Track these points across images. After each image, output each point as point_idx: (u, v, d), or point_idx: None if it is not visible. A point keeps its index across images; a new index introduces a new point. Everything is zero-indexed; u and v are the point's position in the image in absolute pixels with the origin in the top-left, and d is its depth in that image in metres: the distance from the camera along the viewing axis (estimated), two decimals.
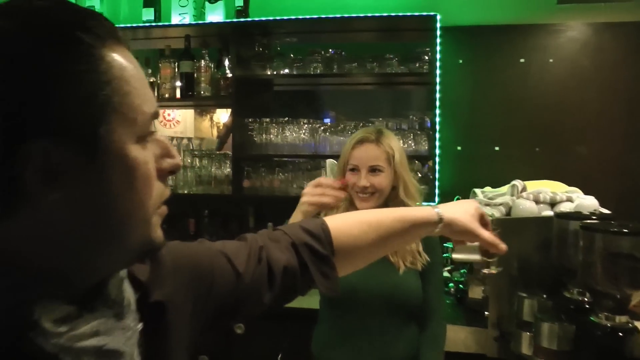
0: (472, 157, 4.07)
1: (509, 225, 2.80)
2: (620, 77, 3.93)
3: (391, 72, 3.84)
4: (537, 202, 3.00)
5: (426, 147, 3.83)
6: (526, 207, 2.94)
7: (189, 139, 4.40)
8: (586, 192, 3.29)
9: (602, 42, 3.96)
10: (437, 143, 3.77)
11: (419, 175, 3.86)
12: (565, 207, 2.97)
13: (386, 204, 2.41)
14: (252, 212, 4.08)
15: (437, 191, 3.78)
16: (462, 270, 3.51)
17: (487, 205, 3.15)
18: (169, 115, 4.61)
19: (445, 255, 3.31)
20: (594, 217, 2.36)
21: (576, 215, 2.44)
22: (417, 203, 2.47)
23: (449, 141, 3.99)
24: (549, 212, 2.96)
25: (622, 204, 3.70)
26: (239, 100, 3.93)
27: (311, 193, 2.12)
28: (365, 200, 2.39)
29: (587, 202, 2.97)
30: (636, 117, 3.94)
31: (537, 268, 2.65)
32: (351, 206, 2.42)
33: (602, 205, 3.11)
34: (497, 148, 4.02)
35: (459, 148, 4.05)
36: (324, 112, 4.27)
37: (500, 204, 3.12)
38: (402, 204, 2.41)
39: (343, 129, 3.89)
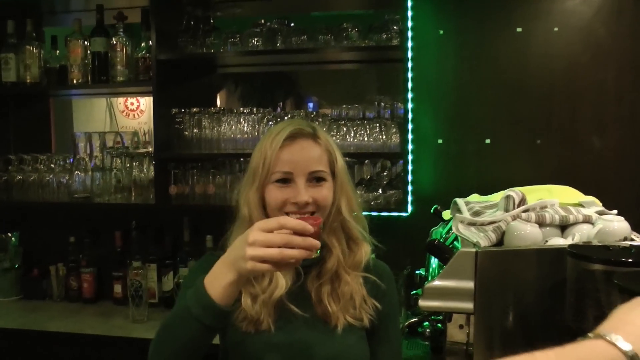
0: (456, 153, 3.27)
1: (501, 259, 2.04)
2: None
3: (350, 45, 3.05)
4: (541, 224, 2.14)
5: (397, 141, 3.05)
6: (526, 233, 2.09)
7: (119, 134, 3.65)
8: (603, 198, 2.48)
9: (623, 5, 3.11)
10: (410, 136, 3.05)
11: (385, 177, 3.12)
12: (583, 233, 2.13)
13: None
14: (188, 223, 3.32)
15: (409, 197, 3.03)
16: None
17: (471, 225, 2.34)
18: (132, 104, 3.93)
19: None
20: (631, 259, 1.60)
21: (601, 253, 1.69)
22: (362, 225, 1.81)
23: (427, 133, 3.23)
24: (558, 240, 2.12)
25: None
26: (163, 86, 3.19)
27: (263, 243, 1.33)
28: None
29: (615, 226, 2.10)
30: None
31: (542, 322, 1.92)
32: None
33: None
34: (488, 141, 3.22)
35: (439, 141, 3.26)
36: (270, 99, 3.53)
37: (490, 226, 2.29)
38: (345, 228, 1.77)
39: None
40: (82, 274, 3.42)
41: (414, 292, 2.65)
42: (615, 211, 2.39)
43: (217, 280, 1.40)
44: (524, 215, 2.17)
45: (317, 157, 1.69)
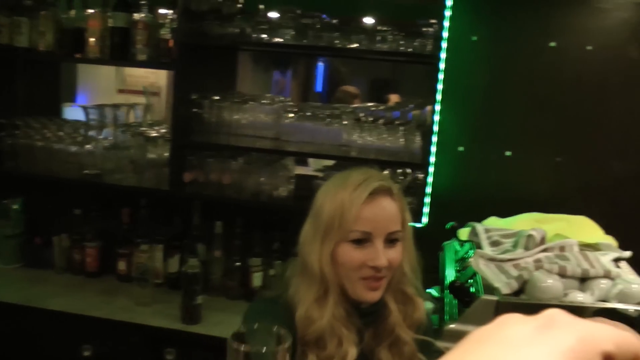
0: (475, 162, 3.32)
1: (521, 311, 2.11)
2: None
3: (382, 49, 3.05)
4: (562, 275, 2.24)
5: (418, 145, 3.08)
6: (548, 285, 2.19)
7: (134, 107, 3.61)
8: (618, 226, 2.65)
9: None
10: (435, 139, 3.06)
11: (402, 182, 3.16)
12: (601, 289, 2.23)
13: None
14: (198, 206, 3.36)
15: (427, 208, 3.07)
16: None
17: (491, 260, 2.43)
18: None
19: None
20: None
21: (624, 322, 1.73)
22: (419, 280, 1.79)
23: (448, 139, 3.26)
24: (577, 295, 2.23)
25: None
26: (184, 70, 3.17)
27: None
28: (375, 288, 1.66)
29: (634, 289, 2.21)
30: None
31: None
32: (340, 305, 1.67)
33: (630, 242, 2.51)
34: (508, 153, 3.25)
35: (460, 149, 3.28)
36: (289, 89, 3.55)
37: (511, 265, 2.38)
38: (403, 284, 1.73)
39: (315, 115, 3.15)
40: (86, 248, 3.44)
41: None
42: (629, 253, 2.51)
43: None
44: (546, 265, 2.27)
45: (395, 216, 1.65)
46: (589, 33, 3.17)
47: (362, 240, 1.61)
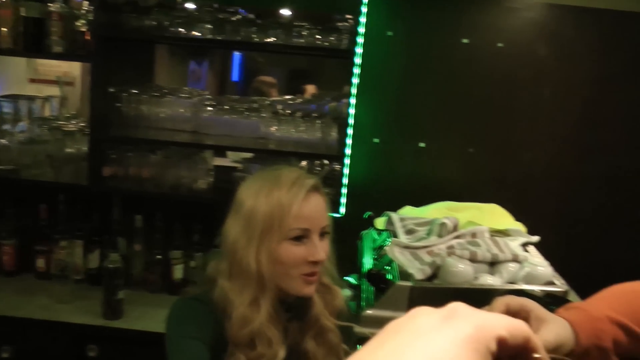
0: (391, 153, 3.43)
1: (434, 295, 2.24)
2: (582, 74, 3.35)
3: (299, 44, 3.11)
4: (473, 260, 2.36)
5: (335, 137, 3.15)
6: (459, 270, 2.30)
7: (50, 99, 3.54)
8: (527, 212, 2.82)
9: (565, 29, 3.32)
10: (350, 136, 3.13)
11: (319, 173, 3.22)
12: (510, 272, 2.36)
13: None
14: (118, 201, 3.35)
15: (344, 199, 3.15)
16: None
17: (406, 248, 2.52)
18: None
19: None
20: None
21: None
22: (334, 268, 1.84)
23: (364, 131, 3.34)
24: (487, 278, 2.36)
25: (563, 229, 3.38)
26: (101, 63, 3.15)
27: None
28: (312, 282, 1.70)
29: (540, 271, 2.35)
30: (594, 125, 3.39)
31: None
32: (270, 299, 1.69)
33: (538, 228, 2.65)
34: (422, 144, 3.37)
35: (376, 140, 3.38)
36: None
37: (425, 252, 2.48)
38: (321, 281, 1.77)
39: (233, 108, 3.19)
40: (2, 246, 3.35)
41: None
42: (537, 238, 2.65)
43: None
44: (457, 251, 2.38)
45: (325, 211, 1.72)
46: (500, 31, 3.31)
47: (301, 237, 1.65)
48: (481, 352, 0.48)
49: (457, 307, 0.54)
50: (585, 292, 1.44)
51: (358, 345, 1.86)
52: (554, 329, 1.20)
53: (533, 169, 3.39)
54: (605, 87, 3.37)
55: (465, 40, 3.29)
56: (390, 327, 0.54)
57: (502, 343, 0.50)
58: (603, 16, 3.29)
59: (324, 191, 1.73)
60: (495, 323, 0.52)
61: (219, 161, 3.55)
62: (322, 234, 1.70)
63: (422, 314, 0.54)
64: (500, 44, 3.29)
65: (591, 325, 1.28)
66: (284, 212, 1.62)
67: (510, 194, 3.21)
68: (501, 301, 1.22)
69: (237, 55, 3.74)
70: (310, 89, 3.61)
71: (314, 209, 1.67)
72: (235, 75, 3.80)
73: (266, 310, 1.64)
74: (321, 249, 1.66)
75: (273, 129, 3.17)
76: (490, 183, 3.32)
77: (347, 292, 2.53)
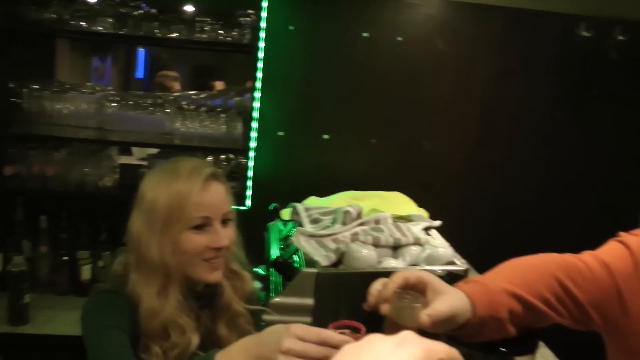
0: (296, 146, 3.50)
1: (339, 280, 2.29)
2: (480, 68, 3.55)
3: (202, 39, 3.12)
4: (376, 245, 2.43)
5: (240, 131, 3.18)
6: (363, 255, 2.36)
7: None
8: (431, 198, 2.90)
9: (463, 25, 3.52)
10: (255, 130, 3.17)
11: (225, 167, 3.25)
12: (412, 255, 2.44)
13: None
14: (21, 202, 3.27)
15: (250, 192, 3.18)
16: None
17: (312, 237, 2.57)
18: None
19: None
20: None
21: None
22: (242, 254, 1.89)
23: (269, 125, 3.40)
24: (390, 261, 2.43)
25: (465, 212, 3.53)
26: (1, 56, 3.10)
27: (298, 353, 1.22)
28: (217, 268, 1.72)
29: (441, 252, 2.44)
30: (491, 116, 3.59)
31: None
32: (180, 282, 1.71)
33: (441, 213, 2.72)
34: (326, 136, 3.44)
35: (280, 134, 3.44)
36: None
37: (330, 240, 2.53)
38: (230, 268, 1.81)
39: (137, 104, 3.17)
40: None
41: None
42: (439, 222, 2.75)
43: None
44: (361, 237, 2.45)
45: (225, 198, 1.74)
46: (400, 25, 3.44)
47: (202, 225, 1.67)
48: None
49: (408, 335, 0.64)
50: (486, 270, 1.53)
51: None
52: (447, 299, 1.27)
53: (435, 157, 3.53)
54: (503, 81, 3.57)
55: (365, 34, 3.38)
56: (349, 350, 0.63)
57: None
58: (500, 13, 3.48)
59: (224, 179, 1.76)
60: (438, 348, 0.63)
61: (125, 159, 3.53)
62: (225, 221, 1.72)
63: (379, 340, 0.63)
64: (400, 38, 3.41)
65: (487, 297, 1.36)
66: (183, 202, 1.64)
67: (413, 181, 3.32)
68: (400, 274, 1.28)
69: (141, 51, 3.73)
70: (217, 84, 3.64)
71: (213, 197, 1.70)
72: (140, 71, 3.78)
73: (175, 299, 1.66)
74: (223, 235, 1.69)
75: (178, 124, 3.18)
76: (394, 172, 3.43)
77: (257, 285, 2.58)
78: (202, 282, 1.73)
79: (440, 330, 1.28)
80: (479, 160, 3.61)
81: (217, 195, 1.71)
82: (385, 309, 1.22)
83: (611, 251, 1.63)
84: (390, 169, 3.45)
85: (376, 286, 1.28)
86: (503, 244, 3.34)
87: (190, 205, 1.64)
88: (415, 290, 1.27)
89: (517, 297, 1.41)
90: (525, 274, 1.50)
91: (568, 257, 1.58)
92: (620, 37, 3.70)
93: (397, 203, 2.90)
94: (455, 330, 1.32)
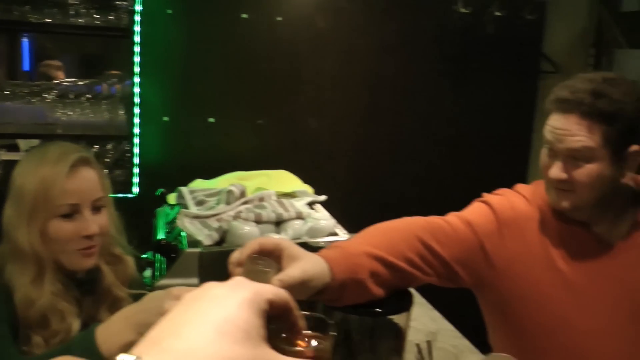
0: (181, 130, 3.46)
1: (223, 258, 2.29)
2: (360, 45, 3.62)
3: (78, 23, 3.07)
4: (259, 221, 2.46)
5: (124, 118, 3.15)
6: (245, 232, 2.39)
7: None
8: (319, 174, 2.99)
9: (340, 2, 3.57)
10: (138, 116, 3.13)
11: (111, 155, 3.21)
12: (295, 229, 2.49)
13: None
14: None
15: (136, 179, 3.15)
16: None
17: (196, 218, 2.57)
18: None
19: None
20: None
21: None
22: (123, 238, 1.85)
23: (153, 110, 3.35)
24: (274, 236, 2.46)
25: (352, 185, 3.65)
26: None
27: None
28: (90, 255, 1.68)
29: (322, 224, 2.50)
30: (375, 91, 3.70)
31: None
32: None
33: (329, 189, 2.79)
34: (212, 119, 3.44)
35: (165, 119, 3.41)
36: None
37: (214, 220, 2.54)
38: (112, 246, 1.78)
39: (14, 94, 3.09)
40: None
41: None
42: (324, 197, 2.81)
43: (115, 337, 1.37)
44: (243, 214, 2.48)
45: (96, 184, 1.69)
46: (278, 5, 3.47)
47: (71, 213, 1.63)
48: (256, 309, 0.65)
49: (240, 279, 0.69)
50: None
51: None
52: (300, 265, 1.31)
53: (321, 134, 3.59)
54: (386, 56, 3.66)
55: (244, 16, 3.39)
56: (189, 297, 0.68)
57: (271, 303, 0.68)
58: None
59: (95, 164, 1.73)
60: (266, 290, 0.68)
61: (11, 155, 3.42)
62: (97, 208, 1.69)
63: (215, 286, 0.68)
64: (279, 18, 3.43)
65: (347, 260, 1.42)
66: (48, 189, 1.60)
67: (300, 158, 3.37)
68: (256, 240, 1.31)
69: (25, 42, 3.62)
70: (99, 71, 3.57)
71: (82, 183, 1.65)
72: (26, 63, 3.67)
73: (51, 287, 1.62)
74: (93, 222, 1.65)
75: (59, 113, 3.12)
76: (281, 151, 3.47)
77: (147, 273, 2.56)
78: (76, 269, 1.70)
79: (299, 297, 1.32)
80: (366, 134, 3.71)
81: (86, 181, 1.67)
82: (237, 272, 1.24)
83: (475, 211, 1.74)
84: (278, 149, 3.48)
85: (235, 254, 1.30)
86: (391, 216, 3.45)
87: (55, 192, 1.60)
88: (272, 257, 1.30)
89: (378, 259, 1.47)
90: (387, 236, 1.57)
91: (431, 219, 1.67)
92: (497, 13, 3.85)
93: (282, 180, 2.94)
94: (317, 295, 1.36)
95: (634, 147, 1.59)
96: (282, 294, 0.71)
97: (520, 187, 1.82)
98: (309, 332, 0.85)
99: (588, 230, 1.67)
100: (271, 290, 0.69)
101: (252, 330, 0.63)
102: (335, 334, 0.90)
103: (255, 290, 0.67)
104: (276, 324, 0.72)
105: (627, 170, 1.63)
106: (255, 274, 1.22)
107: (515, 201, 1.75)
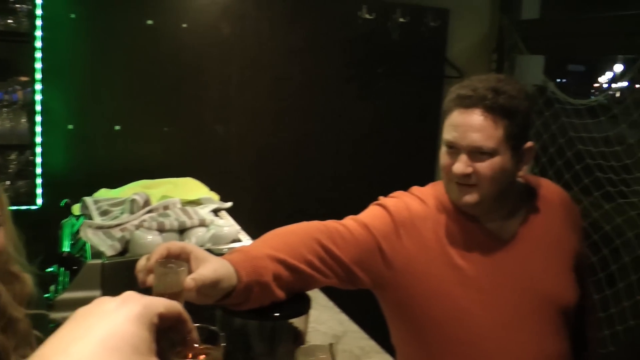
0: (86, 138, 3.37)
1: (125, 268, 2.28)
2: (266, 51, 3.66)
3: None
4: (162, 230, 2.46)
5: (26, 127, 3.08)
6: (147, 241, 2.38)
7: None
8: (226, 181, 3.02)
9: (246, 9, 3.61)
10: (40, 124, 3.07)
11: (14, 166, 3.14)
12: (198, 236, 2.50)
13: None
14: None
15: (40, 190, 3.08)
16: None
17: (99, 228, 2.54)
18: None
19: None
20: None
21: None
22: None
23: (57, 118, 3.26)
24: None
25: (259, 191, 3.72)
26: None
27: None
28: None
29: (225, 231, 2.52)
30: (283, 97, 3.77)
31: None
32: None
33: (237, 195, 2.83)
34: (117, 127, 3.40)
35: (70, 127, 3.33)
36: None
37: (118, 230, 2.52)
38: (8, 264, 1.68)
39: None
40: None
41: (46, 295, 2.73)
42: (229, 204, 2.82)
43: None
44: (146, 223, 2.47)
45: None
46: (184, 12, 3.45)
47: None
48: (146, 324, 0.66)
49: (130, 294, 0.69)
50: None
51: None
52: (211, 265, 1.34)
53: (227, 140, 3.60)
54: (293, 61, 3.74)
55: (149, 22, 3.35)
56: (80, 312, 0.68)
57: (162, 317, 0.69)
58: None
59: None
60: (157, 303, 0.69)
61: None
62: None
63: (105, 301, 0.68)
64: (184, 25, 3.42)
65: (251, 263, 1.45)
66: None
67: (208, 166, 3.39)
68: (162, 246, 1.33)
69: None
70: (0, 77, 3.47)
71: None
72: None
73: None
74: None
75: None
76: (188, 158, 3.46)
77: (52, 288, 2.51)
78: None
79: (207, 300, 1.35)
80: (272, 140, 3.76)
81: None
82: (150, 280, 1.26)
83: (371, 213, 1.81)
84: (185, 156, 3.48)
85: (141, 262, 1.31)
86: (298, 221, 3.49)
87: None
88: (180, 259, 1.32)
89: (280, 261, 1.51)
90: (287, 240, 1.61)
91: (329, 223, 1.73)
92: (401, 19, 3.96)
93: (188, 188, 2.94)
94: (223, 299, 1.39)
95: (529, 144, 1.71)
96: (174, 306, 0.72)
97: (415, 189, 1.92)
98: (202, 345, 0.87)
99: (480, 227, 1.78)
100: (162, 304, 0.71)
101: (140, 344, 0.64)
102: (225, 344, 0.93)
103: (145, 304, 0.68)
104: (170, 337, 0.74)
105: (522, 165, 1.74)
106: (169, 276, 1.23)
107: (411, 202, 1.83)
